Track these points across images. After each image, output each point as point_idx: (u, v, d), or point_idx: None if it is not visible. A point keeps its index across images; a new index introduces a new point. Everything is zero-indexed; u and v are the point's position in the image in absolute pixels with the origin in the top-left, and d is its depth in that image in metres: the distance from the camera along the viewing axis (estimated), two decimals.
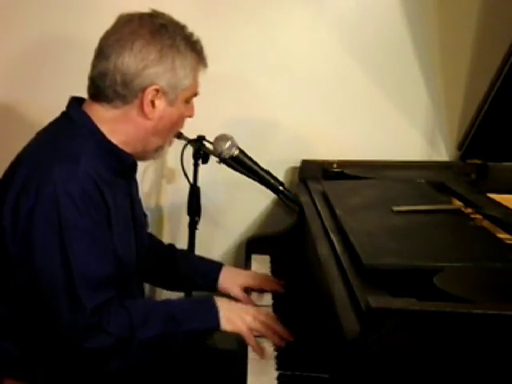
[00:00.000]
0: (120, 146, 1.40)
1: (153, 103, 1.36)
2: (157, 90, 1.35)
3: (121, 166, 1.42)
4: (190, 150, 1.86)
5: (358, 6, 2.10)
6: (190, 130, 1.65)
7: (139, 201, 1.61)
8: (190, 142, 1.83)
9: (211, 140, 1.79)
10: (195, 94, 1.45)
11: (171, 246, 1.77)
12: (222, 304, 1.39)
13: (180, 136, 1.76)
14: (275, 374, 1.24)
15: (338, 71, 2.14)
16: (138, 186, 1.61)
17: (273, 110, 2.17)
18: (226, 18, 2.09)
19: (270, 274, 1.76)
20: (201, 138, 1.84)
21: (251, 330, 1.36)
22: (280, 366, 1.28)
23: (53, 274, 1.25)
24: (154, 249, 1.70)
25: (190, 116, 1.48)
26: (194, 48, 1.40)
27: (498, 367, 0.94)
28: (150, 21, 1.37)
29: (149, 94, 1.35)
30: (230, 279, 1.65)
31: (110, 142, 1.38)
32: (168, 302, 1.41)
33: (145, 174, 2.19)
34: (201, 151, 1.84)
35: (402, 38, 2.10)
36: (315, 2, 2.11)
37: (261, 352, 1.32)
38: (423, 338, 0.94)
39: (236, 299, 1.60)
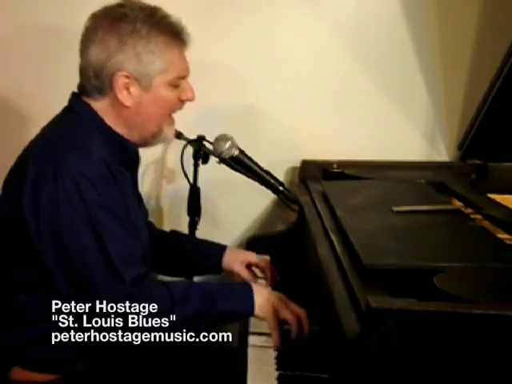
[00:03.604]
0: (121, 134, 1.41)
1: (128, 90, 1.37)
2: (127, 77, 1.35)
3: (126, 155, 1.44)
4: (190, 150, 1.86)
5: (358, 6, 2.10)
6: (190, 129, 1.65)
7: (140, 194, 1.62)
8: (190, 142, 1.83)
9: (211, 140, 1.79)
10: (183, 77, 1.42)
11: (174, 231, 1.80)
12: (257, 290, 1.38)
13: (180, 136, 1.76)
14: (275, 374, 1.24)
15: (339, 71, 2.15)
16: (138, 183, 1.61)
17: (273, 109, 2.17)
18: (225, 17, 2.09)
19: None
20: (201, 138, 1.84)
21: (276, 312, 1.35)
22: (280, 365, 1.27)
23: (89, 255, 1.26)
24: (156, 235, 1.71)
25: (189, 99, 1.45)
26: (163, 31, 1.37)
27: (498, 367, 0.94)
28: (113, 11, 1.37)
29: (118, 81, 1.35)
30: (234, 256, 1.72)
31: (113, 132, 1.40)
32: (205, 282, 1.40)
33: (145, 174, 2.19)
34: (201, 151, 1.84)
35: (402, 38, 2.10)
36: (315, 1, 2.11)
37: (277, 340, 1.32)
38: (423, 338, 0.94)
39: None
